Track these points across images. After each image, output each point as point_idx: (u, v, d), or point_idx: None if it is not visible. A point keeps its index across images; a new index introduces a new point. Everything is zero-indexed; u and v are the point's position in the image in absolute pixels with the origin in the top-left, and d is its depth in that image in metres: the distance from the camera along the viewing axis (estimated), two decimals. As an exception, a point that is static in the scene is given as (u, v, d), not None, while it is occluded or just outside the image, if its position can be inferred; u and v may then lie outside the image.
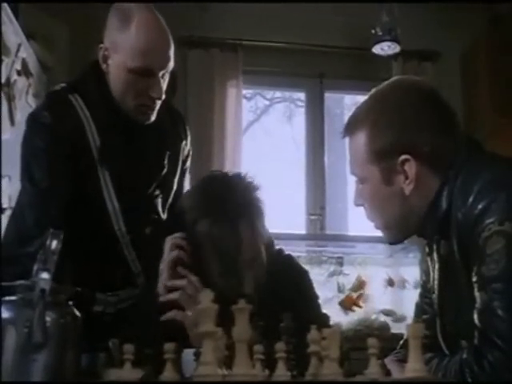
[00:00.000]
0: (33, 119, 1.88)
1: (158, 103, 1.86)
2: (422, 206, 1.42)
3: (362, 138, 1.45)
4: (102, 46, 1.84)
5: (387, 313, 3.90)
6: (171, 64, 1.86)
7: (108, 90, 1.86)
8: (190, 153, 2.14)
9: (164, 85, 1.86)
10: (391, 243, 1.54)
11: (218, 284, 1.59)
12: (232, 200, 1.65)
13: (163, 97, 1.86)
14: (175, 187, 2.02)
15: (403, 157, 1.40)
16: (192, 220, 1.67)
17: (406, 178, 1.41)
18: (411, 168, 1.40)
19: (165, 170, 1.96)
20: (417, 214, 1.44)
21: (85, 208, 1.79)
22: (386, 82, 1.54)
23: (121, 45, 1.80)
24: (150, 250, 1.85)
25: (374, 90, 1.51)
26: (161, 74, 1.83)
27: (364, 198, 1.49)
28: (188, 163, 2.14)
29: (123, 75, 1.81)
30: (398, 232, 1.49)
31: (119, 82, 1.83)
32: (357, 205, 1.52)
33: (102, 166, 1.83)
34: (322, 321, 1.73)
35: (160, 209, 1.97)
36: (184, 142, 2.08)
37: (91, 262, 1.73)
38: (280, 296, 1.68)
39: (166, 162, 1.97)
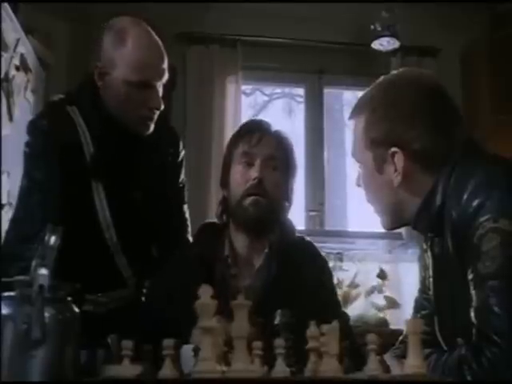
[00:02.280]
0: (32, 126, 1.95)
1: (157, 114, 1.93)
2: (412, 200, 1.44)
3: (361, 122, 1.49)
4: (97, 64, 1.90)
5: (388, 300, 3.90)
6: (166, 76, 1.93)
7: (103, 104, 1.92)
8: (183, 164, 2.17)
9: (160, 95, 1.93)
10: (385, 229, 1.55)
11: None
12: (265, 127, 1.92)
13: (162, 107, 1.93)
14: (166, 198, 2.06)
15: (393, 149, 1.43)
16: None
17: (395, 169, 1.43)
18: (399, 161, 1.42)
19: (155, 181, 2.01)
20: (407, 206, 1.45)
21: (77, 215, 1.82)
22: (395, 72, 1.58)
23: (118, 61, 1.87)
24: (141, 256, 1.95)
25: (382, 78, 1.54)
26: (158, 85, 1.90)
27: (361, 181, 1.52)
28: (182, 176, 2.16)
29: (123, 89, 1.88)
30: (390, 219, 1.51)
31: (119, 96, 1.89)
32: (357, 185, 1.55)
33: (94, 175, 1.89)
34: (344, 318, 1.77)
35: (149, 216, 2.00)
36: (173, 159, 2.11)
37: (81, 264, 1.75)
38: (304, 281, 1.74)
39: (156, 173, 2.01)
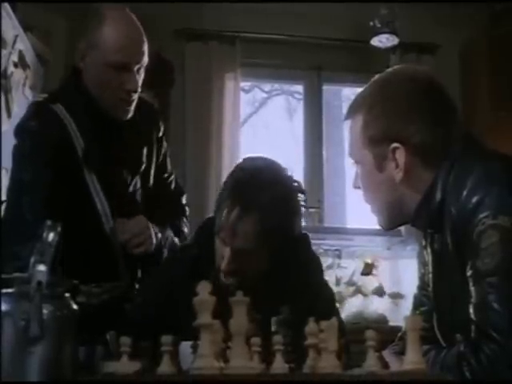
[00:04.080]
0: (21, 129, 1.96)
1: (135, 97, 1.94)
2: (413, 196, 1.43)
3: (358, 122, 1.47)
4: (79, 46, 1.93)
5: (394, 296, 3.91)
6: (145, 59, 1.94)
7: (87, 91, 1.94)
8: (165, 144, 2.21)
9: (139, 79, 1.94)
10: (384, 229, 1.54)
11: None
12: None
13: (139, 90, 1.94)
14: (152, 181, 2.11)
15: (394, 145, 1.42)
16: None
17: (397, 165, 1.42)
18: (401, 156, 1.41)
19: (143, 166, 2.05)
20: (408, 203, 1.45)
21: (75, 209, 1.84)
22: (390, 70, 1.58)
23: (98, 42, 1.89)
24: None
25: (377, 76, 1.53)
26: (136, 68, 1.91)
27: (359, 181, 1.51)
28: (163, 152, 2.19)
29: (101, 71, 1.90)
30: (389, 218, 1.50)
31: (97, 77, 1.92)
32: (355, 187, 1.54)
33: (88, 168, 1.91)
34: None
35: (140, 203, 2.06)
36: (156, 134, 2.15)
37: (77, 255, 1.76)
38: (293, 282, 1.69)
39: (143, 157, 2.05)
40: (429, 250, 1.49)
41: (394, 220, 1.51)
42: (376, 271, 3.98)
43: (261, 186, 1.63)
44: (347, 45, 4.15)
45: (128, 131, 1.98)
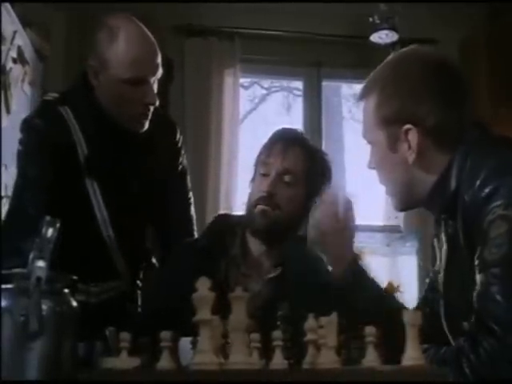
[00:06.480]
0: (26, 125, 1.96)
1: (151, 110, 1.93)
2: (426, 178, 1.42)
3: (371, 102, 1.46)
4: (91, 63, 1.90)
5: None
6: (160, 71, 1.93)
7: (98, 103, 1.92)
8: (184, 157, 2.19)
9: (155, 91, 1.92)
10: (397, 210, 1.54)
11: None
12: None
13: (157, 102, 1.93)
14: (169, 192, 2.09)
15: (407, 126, 1.41)
16: None
17: (409, 147, 1.41)
18: (414, 138, 1.40)
19: (154, 180, 2.03)
20: (421, 185, 1.43)
21: (74, 211, 1.83)
22: (403, 50, 1.58)
23: (112, 59, 1.86)
24: (136, 248, 2.00)
25: (390, 56, 1.53)
26: (152, 80, 1.90)
27: (374, 162, 1.51)
28: (183, 165, 2.18)
29: (117, 87, 1.88)
30: (402, 199, 1.49)
31: (113, 94, 1.89)
32: (369, 167, 1.53)
33: (89, 175, 1.91)
34: None
35: (149, 212, 2.04)
36: (172, 148, 2.13)
37: (75, 254, 1.76)
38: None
39: (155, 170, 2.02)
40: (442, 236, 1.47)
41: (406, 201, 1.50)
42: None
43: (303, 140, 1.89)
44: (347, 41, 4.14)
45: (140, 143, 1.96)
